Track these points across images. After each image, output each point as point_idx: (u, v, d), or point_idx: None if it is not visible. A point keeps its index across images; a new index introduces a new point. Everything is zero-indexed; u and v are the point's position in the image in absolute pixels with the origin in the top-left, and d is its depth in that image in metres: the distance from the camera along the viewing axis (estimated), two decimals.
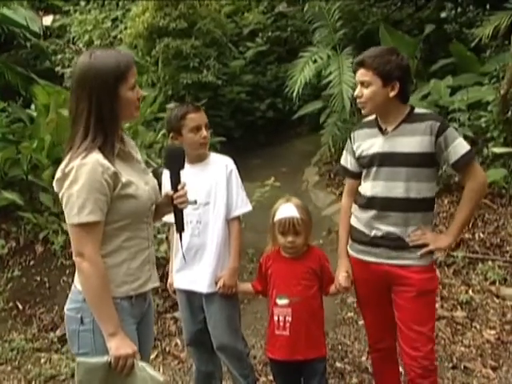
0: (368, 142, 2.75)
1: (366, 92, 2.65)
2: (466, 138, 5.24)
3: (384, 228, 2.71)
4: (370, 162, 2.73)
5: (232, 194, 3.03)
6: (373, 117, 2.79)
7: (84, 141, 2.08)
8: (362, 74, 2.66)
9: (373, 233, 2.75)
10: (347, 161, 2.91)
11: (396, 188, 2.66)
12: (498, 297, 4.35)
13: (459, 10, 7.12)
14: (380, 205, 2.71)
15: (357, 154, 2.81)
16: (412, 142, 2.63)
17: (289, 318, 2.83)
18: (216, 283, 3.00)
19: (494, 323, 4.07)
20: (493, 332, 3.98)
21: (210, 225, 2.99)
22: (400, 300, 2.74)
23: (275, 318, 2.88)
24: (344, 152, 2.96)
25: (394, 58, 2.63)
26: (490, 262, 4.68)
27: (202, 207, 2.99)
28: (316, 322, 2.88)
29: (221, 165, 3.07)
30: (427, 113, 2.79)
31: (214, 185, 3.01)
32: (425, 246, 2.69)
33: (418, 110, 2.73)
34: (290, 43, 9.60)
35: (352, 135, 2.87)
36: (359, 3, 8.32)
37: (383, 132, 2.71)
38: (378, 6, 8.56)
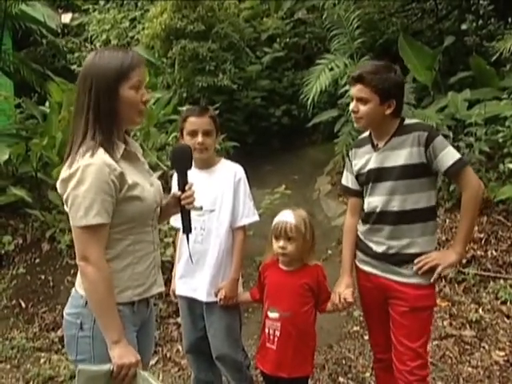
0: (363, 159, 2.75)
1: (363, 108, 2.63)
2: (481, 152, 5.28)
3: (383, 241, 2.69)
4: (366, 179, 2.74)
5: (239, 203, 2.98)
6: (368, 133, 2.79)
7: (84, 137, 2.04)
8: (360, 91, 2.63)
9: (374, 247, 2.73)
10: (348, 179, 2.91)
11: (391, 201, 2.64)
12: (508, 317, 4.24)
13: (480, 22, 7.01)
14: (374, 219, 2.71)
15: (355, 172, 2.81)
16: (402, 154, 2.61)
17: (277, 333, 2.77)
18: (216, 294, 2.95)
19: (503, 344, 3.96)
20: (502, 353, 3.87)
21: (213, 232, 2.95)
22: (393, 313, 2.73)
23: (266, 330, 2.83)
24: (344, 171, 2.95)
25: (392, 75, 2.62)
26: (501, 281, 4.58)
27: (207, 214, 2.94)
28: (306, 339, 2.79)
29: (229, 172, 3.01)
30: (415, 123, 2.73)
31: (220, 192, 2.96)
32: (433, 268, 2.62)
33: (407, 121, 2.70)
34: (307, 50, 9.53)
35: (350, 153, 2.87)
36: (379, 12, 8.24)
37: (375, 148, 2.71)
38: (397, 15, 8.47)
